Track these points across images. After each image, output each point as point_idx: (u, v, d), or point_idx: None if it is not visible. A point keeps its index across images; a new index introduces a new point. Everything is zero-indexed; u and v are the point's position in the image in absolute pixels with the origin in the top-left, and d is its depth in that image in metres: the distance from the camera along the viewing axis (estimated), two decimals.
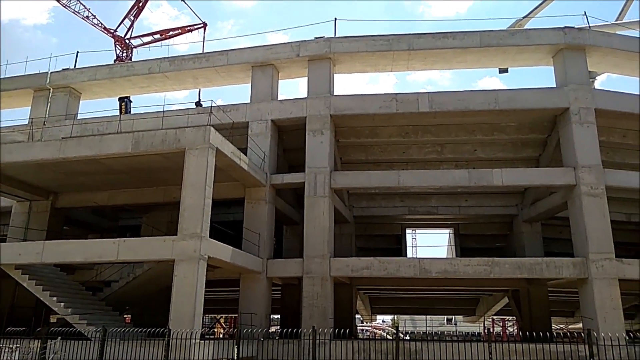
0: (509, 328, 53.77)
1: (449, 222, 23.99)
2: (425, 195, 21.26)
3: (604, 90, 18.32)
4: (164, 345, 11.51)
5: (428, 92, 17.49)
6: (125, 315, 18.87)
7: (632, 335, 18.57)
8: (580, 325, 19.21)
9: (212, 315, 45.17)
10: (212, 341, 13.68)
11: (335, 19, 18.49)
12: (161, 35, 42.47)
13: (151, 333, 11.91)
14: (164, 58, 19.86)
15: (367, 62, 18.71)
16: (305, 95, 17.97)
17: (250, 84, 18.65)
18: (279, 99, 18.55)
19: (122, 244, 13.28)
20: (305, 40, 18.24)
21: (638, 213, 21.75)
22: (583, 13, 19.12)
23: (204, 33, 41.30)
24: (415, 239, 36.76)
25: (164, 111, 17.08)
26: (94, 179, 16.46)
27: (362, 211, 21.55)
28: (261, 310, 16.02)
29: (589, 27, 18.81)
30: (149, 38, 42.89)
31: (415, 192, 20.55)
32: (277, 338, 16.47)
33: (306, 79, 18.26)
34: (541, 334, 13.79)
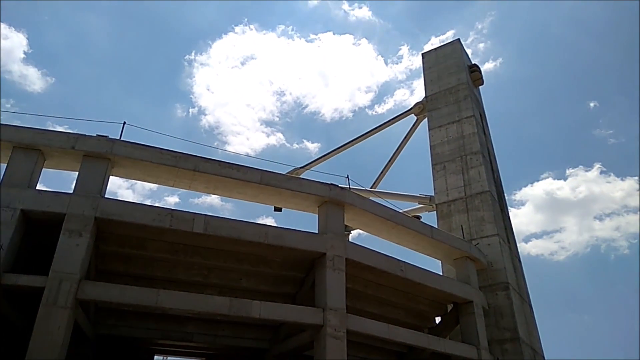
0: None
1: (202, 352, 22.96)
2: (182, 319, 20.22)
3: (354, 243, 21.14)
4: None
5: (205, 215, 17.64)
6: None
7: None
8: None
9: None
10: None
11: (124, 123, 18.02)
12: None
13: None
14: None
15: (150, 172, 18.31)
16: (71, 191, 16.32)
17: (5, 165, 16.26)
18: (37, 188, 16.44)
19: None
20: (85, 135, 17.04)
21: (371, 358, 24.32)
22: (346, 176, 22.58)
23: None
24: None
25: None
26: None
27: (108, 329, 19.19)
28: None
29: (350, 188, 22.13)
30: None
31: (172, 314, 19.40)
32: None
33: (77, 173, 16.78)
34: None
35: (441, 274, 26.49)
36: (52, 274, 14.79)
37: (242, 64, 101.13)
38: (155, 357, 22.94)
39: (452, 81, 34.07)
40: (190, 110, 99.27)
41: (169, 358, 29.49)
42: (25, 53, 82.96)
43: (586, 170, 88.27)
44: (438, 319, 26.67)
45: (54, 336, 14.07)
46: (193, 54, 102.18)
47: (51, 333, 14.07)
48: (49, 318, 14.25)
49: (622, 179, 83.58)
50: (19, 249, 15.61)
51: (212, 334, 20.83)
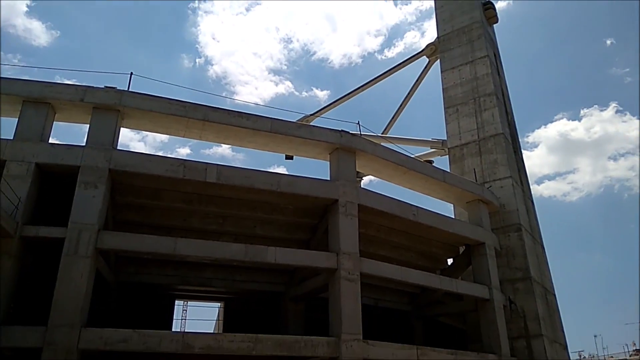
0: None
1: (221, 296, 23.74)
2: (200, 266, 20.82)
3: (366, 189, 21.19)
4: None
5: (217, 164, 17.72)
6: None
7: None
8: None
9: None
10: None
11: (132, 74, 17.82)
12: None
13: None
14: None
15: (160, 122, 18.28)
16: (84, 143, 16.42)
17: (17, 120, 16.32)
18: (50, 141, 16.56)
19: None
20: (93, 87, 16.96)
21: (384, 299, 25.01)
22: (357, 122, 22.35)
23: None
24: (186, 310, 35.31)
25: None
26: None
27: (129, 277, 19.87)
28: None
29: (360, 134, 21.95)
30: None
31: (190, 261, 19.97)
32: None
33: (87, 126, 16.82)
34: None
35: (453, 217, 26.61)
36: (71, 225, 15.16)
37: (247, 10, 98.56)
38: (176, 302, 23.73)
39: (465, 20, 32.82)
40: (197, 60, 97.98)
41: (189, 303, 30.56)
42: (28, 6, 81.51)
43: (601, 110, 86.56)
44: (450, 261, 27.08)
45: (77, 284, 14.62)
46: (197, 1, 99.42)
47: (74, 281, 14.61)
48: (71, 267, 14.75)
49: (638, 118, 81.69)
50: (36, 201, 15.96)
51: (230, 278, 21.48)
